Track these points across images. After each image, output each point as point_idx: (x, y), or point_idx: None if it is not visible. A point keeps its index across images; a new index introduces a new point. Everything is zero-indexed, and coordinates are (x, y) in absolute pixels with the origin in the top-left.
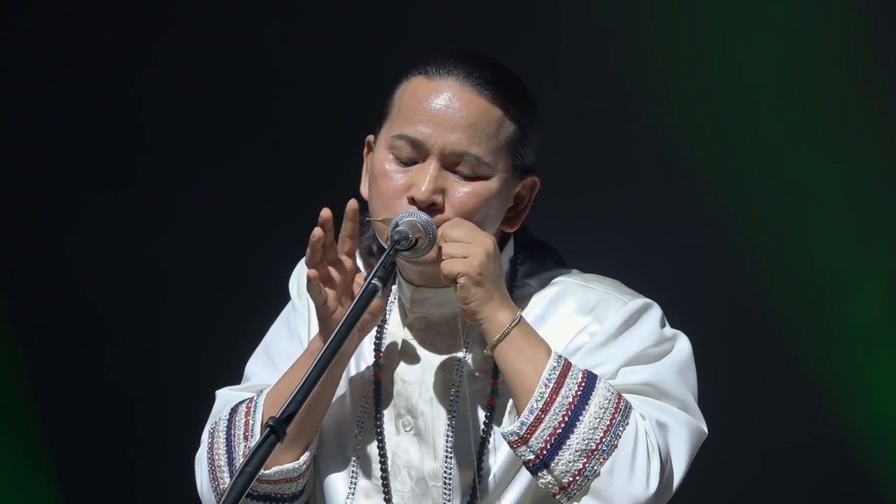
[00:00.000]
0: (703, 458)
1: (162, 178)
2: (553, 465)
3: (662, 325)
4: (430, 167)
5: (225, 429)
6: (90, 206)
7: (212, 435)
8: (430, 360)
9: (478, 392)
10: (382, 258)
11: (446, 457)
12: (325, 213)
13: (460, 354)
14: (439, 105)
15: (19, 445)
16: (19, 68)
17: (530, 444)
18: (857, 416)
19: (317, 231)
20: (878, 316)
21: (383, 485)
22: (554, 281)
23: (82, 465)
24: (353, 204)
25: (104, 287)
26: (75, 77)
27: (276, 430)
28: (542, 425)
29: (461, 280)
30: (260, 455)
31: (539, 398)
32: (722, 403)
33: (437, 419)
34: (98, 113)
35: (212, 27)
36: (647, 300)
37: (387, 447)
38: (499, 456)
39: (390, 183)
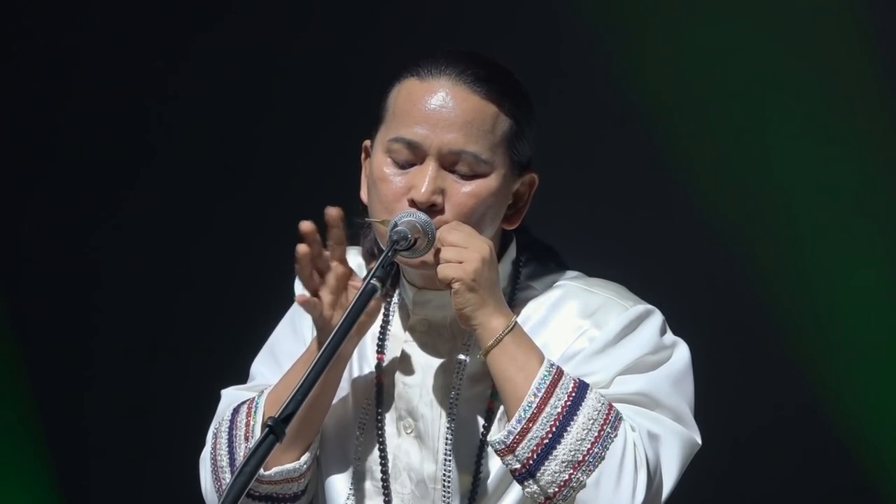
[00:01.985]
0: (703, 459)
1: (165, 181)
2: (539, 474)
3: (662, 333)
4: (429, 168)
5: (227, 429)
6: (91, 208)
7: (215, 435)
8: (431, 363)
9: (478, 395)
10: (381, 258)
11: (445, 459)
12: (306, 225)
13: (461, 357)
14: (434, 105)
15: (19, 445)
16: (27, 74)
17: (517, 453)
18: (858, 416)
19: (301, 248)
20: (879, 315)
21: (383, 487)
22: (557, 284)
23: (82, 465)
24: (334, 211)
25: (106, 287)
26: (76, 80)
27: (274, 430)
28: (530, 435)
29: (455, 285)
30: (259, 455)
31: (527, 407)
32: (721, 404)
33: (436, 422)
34: (101, 116)
35: (211, 29)
36: (649, 306)
37: (388, 449)
38: (497, 459)
39: (390, 186)
